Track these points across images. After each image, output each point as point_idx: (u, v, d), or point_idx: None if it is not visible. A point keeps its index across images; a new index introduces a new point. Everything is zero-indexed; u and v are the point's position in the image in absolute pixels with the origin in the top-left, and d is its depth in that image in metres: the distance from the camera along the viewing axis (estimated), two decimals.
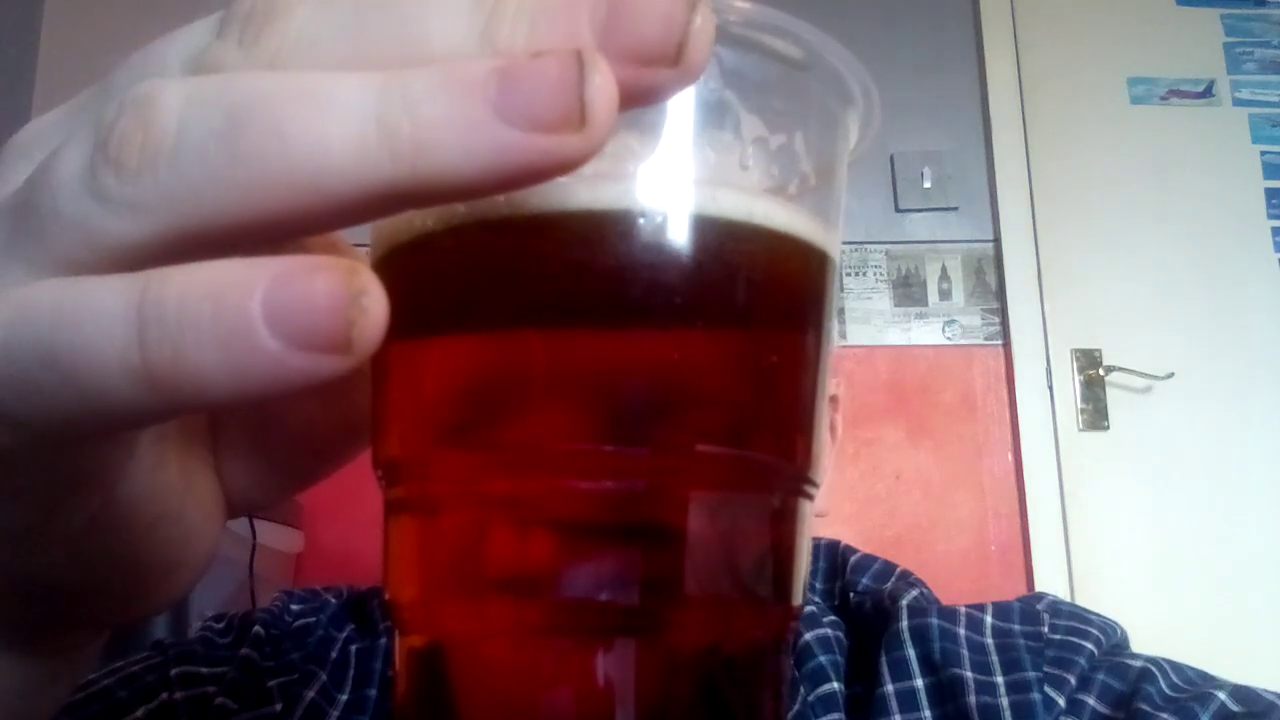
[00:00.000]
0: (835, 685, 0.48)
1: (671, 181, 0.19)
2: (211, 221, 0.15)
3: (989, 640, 0.48)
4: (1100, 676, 0.46)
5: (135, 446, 0.18)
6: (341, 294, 0.13)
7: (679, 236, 0.19)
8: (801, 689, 0.48)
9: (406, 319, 0.21)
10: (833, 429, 0.58)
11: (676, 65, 0.15)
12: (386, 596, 0.21)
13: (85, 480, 0.18)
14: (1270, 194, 2.08)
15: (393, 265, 0.21)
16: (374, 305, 0.14)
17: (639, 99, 0.15)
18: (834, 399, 0.57)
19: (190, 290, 0.14)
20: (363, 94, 0.14)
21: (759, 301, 0.20)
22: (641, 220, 0.19)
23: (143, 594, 0.21)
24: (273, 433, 0.23)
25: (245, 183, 0.14)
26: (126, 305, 0.14)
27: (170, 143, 0.14)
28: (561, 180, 0.19)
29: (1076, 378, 1.98)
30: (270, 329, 0.13)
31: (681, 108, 0.19)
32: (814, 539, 0.59)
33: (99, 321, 0.14)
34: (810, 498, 0.22)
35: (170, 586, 0.21)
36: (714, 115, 0.20)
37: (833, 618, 0.53)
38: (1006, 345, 1.98)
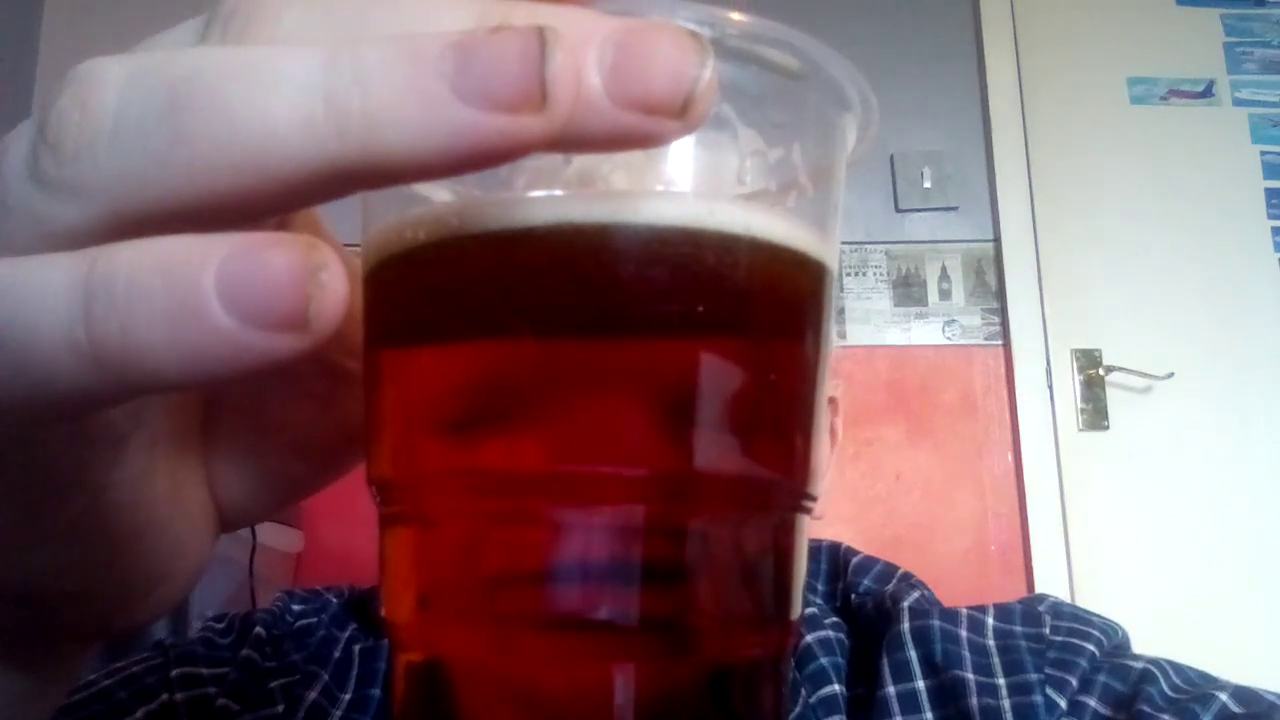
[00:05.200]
0: (836, 687, 0.48)
1: (668, 195, 0.19)
2: (154, 204, 0.14)
3: (990, 642, 0.48)
4: (1101, 678, 0.46)
5: (119, 450, 0.18)
6: (299, 269, 0.13)
7: (675, 251, 0.18)
8: (803, 691, 0.48)
9: (399, 333, 0.20)
10: (833, 433, 0.57)
11: (682, 118, 0.14)
12: (383, 614, 0.21)
13: (65, 482, 0.17)
14: (1270, 194, 2.08)
15: (383, 278, 0.20)
16: (333, 281, 0.13)
17: (639, 143, 0.15)
18: (833, 401, 0.56)
19: (140, 265, 0.13)
20: (309, 68, 0.13)
21: (757, 316, 0.20)
22: (637, 235, 0.18)
23: (126, 606, 0.21)
24: (267, 444, 0.23)
25: (187, 163, 0.14)
26: (73, 280, 0.13)
27: (109, 123, 0.14)
28: (556, 193, 0.19)
29: (1076, 378, 1.98)
30: (224, 305, 0.13)
31: None
32: (813, 540, 0.59)
33: (44, 297, 0.13)
34: (808, 511, 0.21)
35: (155, 600, 0.21)
36: (712, 129, 0.20)
37: (834, 619, 0.53)
38: (1006, 345, 1.98)
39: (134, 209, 0.14)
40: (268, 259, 0.13)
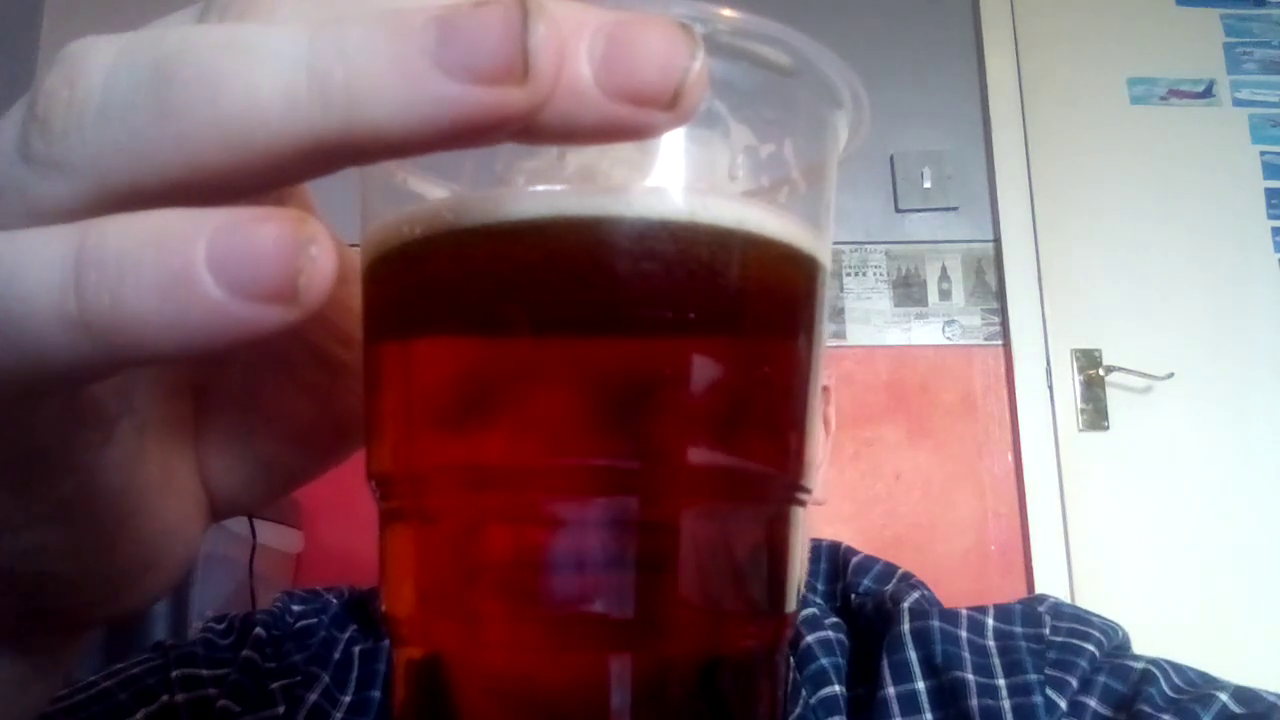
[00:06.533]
0: (837, 688, 0.49)
1: (661, 190, 0.19)
2: (141, 179, 0.14)
3: (991, 643, 0.48)
4: (1101, 678, 0.46)
5: (109, 432, 0.18)
6: (289, 242, 0.13)
7: (669, 245, 0.18)
8: (803, 692, 0.48)
9: (397, 327, 0.20)
10: (826, 422, 0.57)
11: (671, 110, 0.14)
12: (383, 609, 0.21)
13: (54, 462, 0.17)
14: (1270, 194, 2.08)
15: (382, 274, 0.20)
16: (322, 255, 0.13)
17: (629, 135, 0.15)
18: (825, 389, 0.57)
19: (131, 237, 0.13)
20: (294, 43, 0.14)
21: (751, 310, 0.20)
22: (630, 229, 0.18)
23: (116, 591, 0.21)
24: (261, 434, 0.23)
25: (173, 138, 0.14)
26: (64, 252, 0.13)
27: (96, 99, 0.14)
28: (550, 187, 0.19)
29: (1076, 378, 1.98)
30: (214, 277, 0.13)
31: None
32: (815, 540, 0.59)
33: (35, 268, 0.13)
34: (803, 504, 0.21)
35: (145, 587, 0.21)
36: (704, 125, 0.20)
37: (834, 620, 0.53)
38: (1006, 345, 1.98)
39: (121, 185, 0.14)
40: (258, 232, 0.13)
